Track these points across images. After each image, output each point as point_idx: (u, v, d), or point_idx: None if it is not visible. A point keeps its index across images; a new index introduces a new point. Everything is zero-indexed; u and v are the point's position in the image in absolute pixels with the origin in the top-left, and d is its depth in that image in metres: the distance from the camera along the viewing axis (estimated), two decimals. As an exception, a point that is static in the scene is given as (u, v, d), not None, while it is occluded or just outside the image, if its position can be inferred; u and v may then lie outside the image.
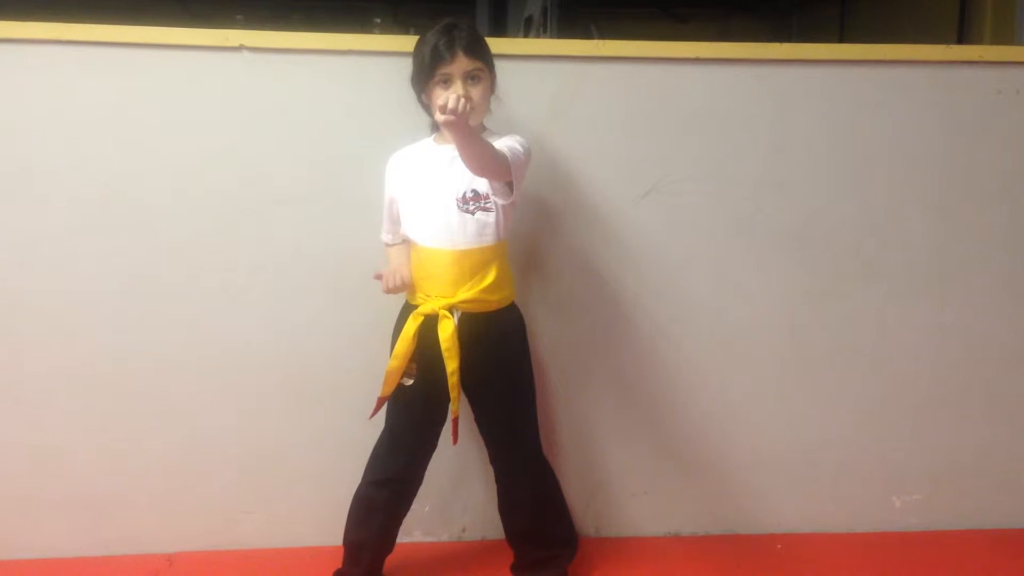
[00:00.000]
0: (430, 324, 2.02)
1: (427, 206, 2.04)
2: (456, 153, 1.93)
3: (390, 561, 2.22)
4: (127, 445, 2.34)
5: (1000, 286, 2.47)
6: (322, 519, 2.33)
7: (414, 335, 2.02)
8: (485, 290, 2.03)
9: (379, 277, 2.06)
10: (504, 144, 1.97)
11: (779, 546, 2.47)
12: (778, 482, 2.52)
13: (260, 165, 2.26)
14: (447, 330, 2.00)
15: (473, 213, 2.01)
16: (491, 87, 2.05)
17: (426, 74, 1.98)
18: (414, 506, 2.21)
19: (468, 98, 1.85)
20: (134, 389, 2.32)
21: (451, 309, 2.02)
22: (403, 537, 2.23)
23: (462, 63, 1.94)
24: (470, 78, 1.96)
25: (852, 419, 2.50)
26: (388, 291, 2.04)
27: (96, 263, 2.26)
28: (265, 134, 2.26)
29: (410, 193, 2.06)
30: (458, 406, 2.05)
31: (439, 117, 1.76)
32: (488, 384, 2.10)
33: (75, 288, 2.27)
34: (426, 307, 2.02)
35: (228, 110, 2.24)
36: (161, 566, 2.32)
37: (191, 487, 2.38)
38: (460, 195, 2.01)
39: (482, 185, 2.00)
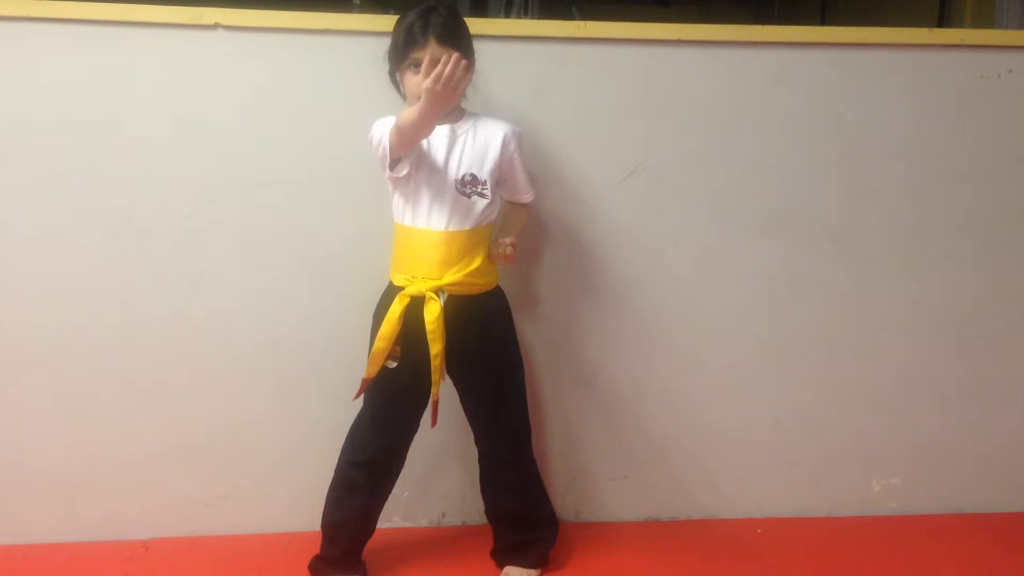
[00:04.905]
0: (415, 306, 2.00)
1: (420, 186, 2.01)
2: (453, 134, 2.01)
3: (369, 546, 2.20)
4: (102, 431, 2.31)
5: (980, 271, 2.48)
6: (300, 505, 2.31)
7: (399, 317, 2.00)
8: (472, 273, 2.02)
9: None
10: (522, 184, 2.14)
11: (759, 531, 2.48)
12: (757, 467, 2.53)
13: (236, 146, 2.23)
14: (433, 312, 1.98)
15: (469, 196, 2.01)
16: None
17: (398, 56, 1.98)
18: (393, 491, 2.19)
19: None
20: (109, 374, 2.29)
21: (437, 291, 2.00)
22: (382, 522, 2.21)
23: (433, 50, 1.92)
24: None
25: (832, 403, 2.51)
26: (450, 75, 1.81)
27: (72, 245, 2.23)
28: (241, 114, 2.22)
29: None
30: (439, 389, 2.04)
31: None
32: (474, 366, 2.10)
33: (50, 271, 2.24)
34: (412, 288, 2.00)
35: (203, 90, 2.21)
36: (136, 552, 2.30)
37: (167, 473, 2.35)
38: (459, 178, 2.00)
39: (480, 170, 2.01)
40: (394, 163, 1.98)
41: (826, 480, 2.55)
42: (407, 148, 1.94)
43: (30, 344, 2.26)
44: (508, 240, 2.06)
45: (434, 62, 1.82)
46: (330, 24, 2.20)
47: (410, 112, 1.87)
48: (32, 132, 2.18)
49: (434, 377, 2.03)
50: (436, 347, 2.00)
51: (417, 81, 1.92)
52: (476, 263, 2.03)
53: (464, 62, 1.83)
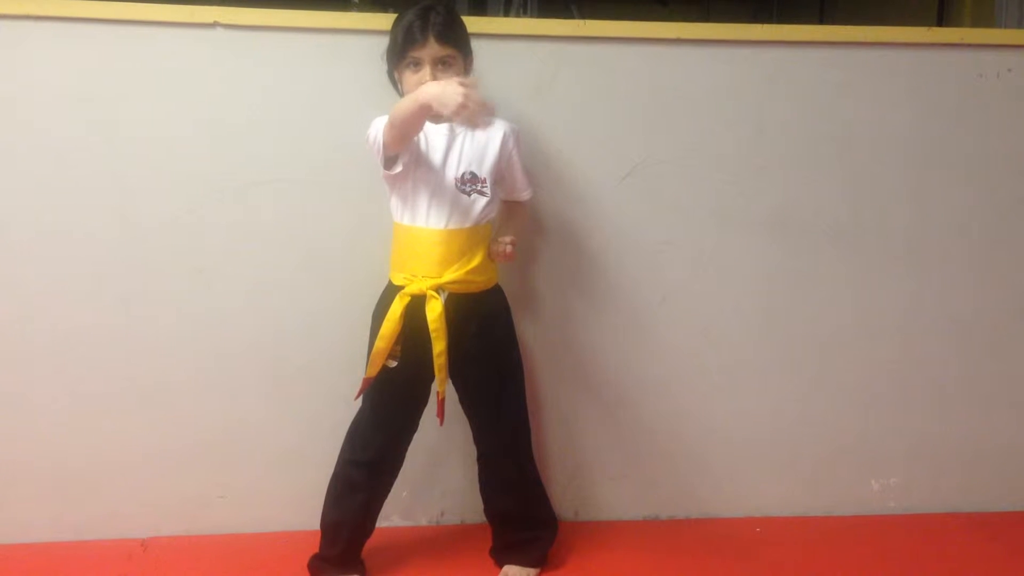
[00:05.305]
0: (415, 305, 2.00)
1: (419, 185, 2.01)
2: (452, 132, 2.02)
3: (368, 545, 2.20)
4: (101, 429, 2.31)
5: (979, 270, 2.48)
6: (298, 504, 2.30)
7: (400, 316, 2.00)
8: (472, 271, 2.02)
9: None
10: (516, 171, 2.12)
11: (758, 529, 2.48)
12: (756, 466, 2.52)
13: (235, 145, 2.23)
14: (435, 311, 1.98)
15: (469, 195, 2.01)
16: (465, 71, 2.03)
17: (397, 55, 1.99)
18: (392, 490, 2.19)
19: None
20: (107, 372, 2.29)
21: (437, 290, 2.00)
22: (381, 521, 2.21)
23: (433, 49, 1.94)
24: (440, 63, 1.96)
25: (830, 402, 2.51)
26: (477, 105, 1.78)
27: (71, 244, 2.22)
28: (239, 113, 2.22)
29: (403, 171, 2.02)
30: (444, 387, 2.04)
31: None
32: (474, 365, 2.09)
33: (47, 270, 2.23)
34: (412, 287, 2.00)
35: (202, 88, 2.20)
36: (135, 551, 2.30)
37: (166, 471, 2.35)
38: (459, 176, 2.01)
39: (479, 168, 2.02)
40: (389, 161, 1.98)
41: (825, 479, 2.54)
42: (399, 143, 1.93)
43: (30, 342, 2.26)
44: (508, 239, 2.06)
45: (433, 60, 1.91)
46: (330, 23, 2.19)
47: (404, 102, 1.86)
48: (32, 131, 2.17)
49: (439, 376, 2.02)
50: (440, 345, 2.00)
51: (416, 80, 1.93)
52: (476, 261, 2.03)
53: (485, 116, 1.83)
